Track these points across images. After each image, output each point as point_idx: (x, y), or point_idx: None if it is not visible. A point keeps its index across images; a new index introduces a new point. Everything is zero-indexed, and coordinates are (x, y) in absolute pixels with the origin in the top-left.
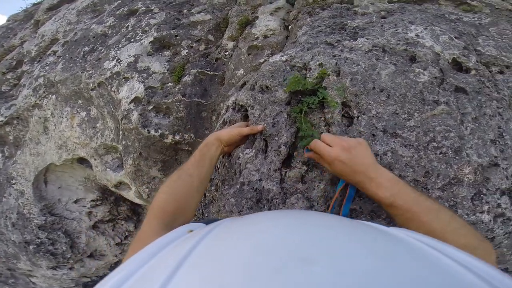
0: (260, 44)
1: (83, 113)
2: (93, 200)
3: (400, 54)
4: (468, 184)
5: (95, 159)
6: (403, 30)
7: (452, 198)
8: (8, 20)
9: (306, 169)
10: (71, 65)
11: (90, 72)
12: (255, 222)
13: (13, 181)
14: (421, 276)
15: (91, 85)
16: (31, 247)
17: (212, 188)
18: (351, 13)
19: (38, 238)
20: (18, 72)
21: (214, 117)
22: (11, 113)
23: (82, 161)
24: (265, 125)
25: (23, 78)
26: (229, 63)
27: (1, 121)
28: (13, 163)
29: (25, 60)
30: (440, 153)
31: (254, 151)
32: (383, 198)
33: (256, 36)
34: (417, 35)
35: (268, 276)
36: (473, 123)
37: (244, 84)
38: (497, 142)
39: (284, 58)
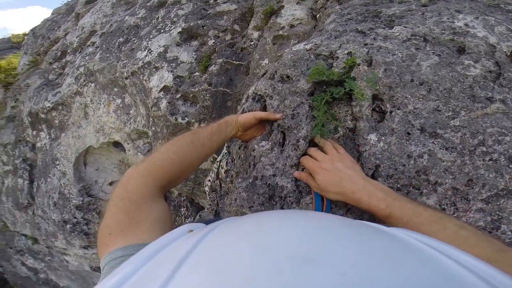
0: (286, 33)
1: (118, 100)
2: None
3: (446, 44)
4: None
5: (128, 143)
6: (448, 19)
7: (497, 212)
8: (52, 14)
9: None
10: (108, 55)
11: (125, 61)
12: (255, 222)
13: (57, 162)
14: (421, 276)
15: (125, 74)
16: (68, 226)
17: (228, 179)
18: (386, 1)
19: (75, 217)
20: (62, 62)
21: (239, 107)
22: (57, 99)
23: (117, 144)
24: (283, 114)
25: (66, 67)
26: (254, 53)
27: (48, 106)
28: (57, 145)
29: (68, 51)
30: (490, 159)
31: (270, 143)
32: (379, 209)
33: (281, 25)
34: (466, 25)
35: (269, 276)
36: None
37: (265, 73)
38: None
39: (308, 47)
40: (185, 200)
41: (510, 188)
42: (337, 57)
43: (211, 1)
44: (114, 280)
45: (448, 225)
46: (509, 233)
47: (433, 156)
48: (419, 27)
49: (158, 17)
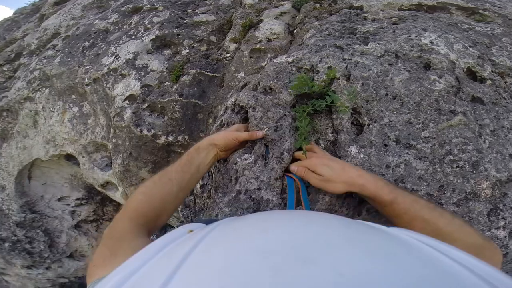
0: (263, 47)
1: (75, 109)
2: (78, 199)
3: (414, 61)
4: (485, 200)
5: (83, 157)
6: (416, 36)
7: (468, 214)
8: (15, 13)
9: None
10: (69, 59)
11: (87, 67)
12: (255, 222)
13: None
14: (421, 276)
15: (86, 80)
16: (6, 244)
17: (204, 194)
18: (360, 19)
19: (15, 235)
20: (15, 64)
21: (210, 120)
22: (2, 105)
23: (69, 157)
24: (265, 131)
25: (19, 70)
26: (229, 65)
27: None
28: None
29: (24, 53)
30: (457, 166)
31: (253, 156)
32: (384, 194)
33: (259, 39)
34: (431, 42)
35: (268, 277)
36: (492, 136)
37: (245, 85)
38: None
39: (290, 59)
40: None
41: (475, 191)
42: (318, 71)
43: (190, 11)
44: (114, 281)
45: (444, 213)
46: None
47: (409, 165)
48: (391, 44)
49: (131, 22)
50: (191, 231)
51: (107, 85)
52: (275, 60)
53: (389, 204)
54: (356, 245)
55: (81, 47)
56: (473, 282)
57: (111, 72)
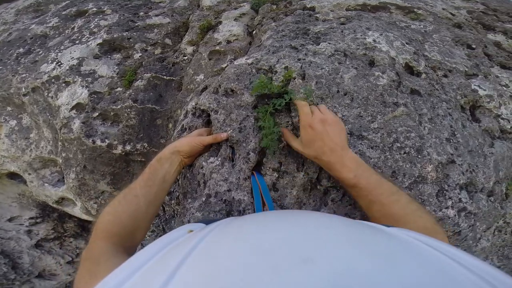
0: (222, 49)
1: (13, 122)
2: (31, 218)
3: (360, 59)
4: (431, 182)
5: (29, 174)
6: (361, 35)
7: (419, 196)
8: None
9: (277, 176)
10: (0, 67)
11: (23, 75)
12: (255, 222)
13: None
14: (421, 276)
15: (23, 90)
16: None
17: (173, 201)
18: (313, 19)
19: None
20: None
21: (170, 125)
22: None
23: (13, 176)
24: (230, 132)
25: None
26: (187, 68)
27: None
28: None
29: None
30: (404, 153)
31: (220, 159)
32: (347, 178)
33: (218, 41)
34: (374, 41)
35: (268, 276)
36: (430, 123)
37: (205, 88)
38: (451, 141)
39: (250, 61)
40: None
41: (423, 175)
42: (276, 71)
43: (141, 13)
44: (116, 280)
45: (402, 198)
46: (433, 213)
47: (363, 155)
48: (340, 43)
49: (74, 27)
50: (191, 231)
51: (49, 94)
52: (235, 62)
53: (352, 186)
54: (356, 245)
55: (15, 54)
56: (472, 282)
57: (53, 80)
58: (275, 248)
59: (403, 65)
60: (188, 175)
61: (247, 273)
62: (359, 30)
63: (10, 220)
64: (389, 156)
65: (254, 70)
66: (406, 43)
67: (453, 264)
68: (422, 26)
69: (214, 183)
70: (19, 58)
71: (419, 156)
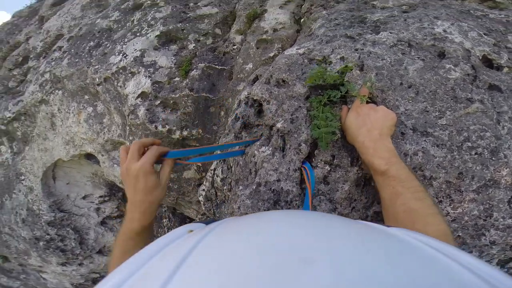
0: (269, 37)
1: (90, 109)
2: (101, 196)
3: (428, 50)
4: (505, 187)
5: (102, 155)
6: (428, 25)
7: (488, 201)
8: (13, 17)
9: (329, 169)
10: (77, 60)
11: (96, 67)
12: (255, 222)
13: (22, 177)
14: (421, 276)
15: (97, 80)
16: (41, 243)
17: (225, 187)
18: (369, 7)
19: (48, 234)
20: (24, 68)
21: (222, 112)
22: (19, 109)
23: (89, 156)
24: (282, 123)
25: (29, 74)
26: (237, 57)
27: (9, 117)
28: (21, 159)
29: (31, 56)
30: (476, 153)
31: (271, 149)
32: (378, 164)
33: (265, 29)
34: (444, 31)
35: (268, 276)
36: (510, 122)
37: (256, 78)
38: None
39: (301, 51)
40: (166, 211)
41: (495, 178)
42: (331, 62)
43: (191, 4)
44: (114, 281)
45: (428, 198)
46: (501, 219)
47: (427, 153)
48: (403, 33)
49: (134, 20)
50: (191, 231)
51: (118, 84)
52: (285, 52)
53: (381, 173)
54: (356, 244)
55: (87, 47)
56: (473, 283)
57: (121, 70)
58: (276, 248)
59: (480, 57)
60: (241, 162)
61: (247, 273)
62: (425, 19)
63: (84, 198)
64: (457, 156)
65: (306, 61)
66: (484, 34)
67: (454, 265)
68: (503, 16)
69: (265, 172)
70: (91, 51)
71: (494, 158)
